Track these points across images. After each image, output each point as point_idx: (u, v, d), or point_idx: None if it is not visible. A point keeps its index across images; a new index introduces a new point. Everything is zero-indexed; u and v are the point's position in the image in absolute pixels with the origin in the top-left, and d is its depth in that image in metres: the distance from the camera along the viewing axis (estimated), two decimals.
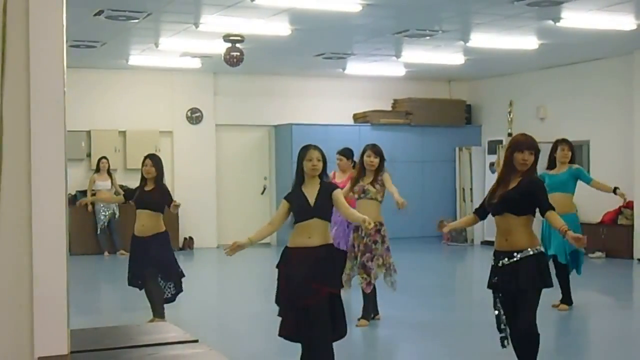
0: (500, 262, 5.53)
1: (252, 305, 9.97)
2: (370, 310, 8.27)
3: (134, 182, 15.06)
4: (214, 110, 16.09)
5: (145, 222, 8.13)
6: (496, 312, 5.61)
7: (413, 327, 8.35)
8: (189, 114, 15.90)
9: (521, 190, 5.51)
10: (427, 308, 9.38)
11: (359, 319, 8.15)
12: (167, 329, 4.08)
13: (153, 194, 8.14)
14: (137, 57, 13.82)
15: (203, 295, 10.84)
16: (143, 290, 8.31)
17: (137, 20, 10.53)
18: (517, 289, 5.48)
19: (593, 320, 9.00)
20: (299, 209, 5.71)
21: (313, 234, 5.67)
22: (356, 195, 8.01)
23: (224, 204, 16.26)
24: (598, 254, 13.67)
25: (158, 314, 8.13)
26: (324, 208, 5.72)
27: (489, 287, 5.68)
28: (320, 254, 5.66)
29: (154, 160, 8.22)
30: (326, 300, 5.64)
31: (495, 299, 5.62)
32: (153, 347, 3.53)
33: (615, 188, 8.99)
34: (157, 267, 8.13)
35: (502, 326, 5.60)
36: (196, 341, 3.65)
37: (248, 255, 15.10)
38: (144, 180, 8.23)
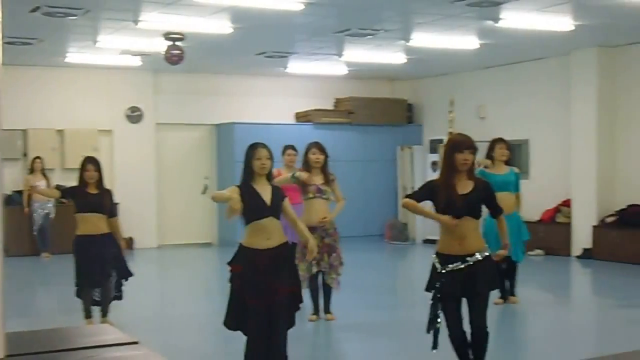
0: (449, 266, 5.55)
1: (194, 305, 9.90)
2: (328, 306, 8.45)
3: (72, 182, 14.83)
4: (155, 109, 15.93)
5: (96, 225, 7.97)
6: (433, 315, 5.63)
7: (358, 325, 8.37)
8: (128, 112, 15.71)
9: (479, 195, 5.64)
10: (371, 307, 9.40)
11: (327, 313, 8.38)
12: (107, 330, 4.01)
13: (102, 197, 8.00)
14: (75, 55, 13.60)
15: (143, 296, 10.71)
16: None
17: (75, 17, 10.35)
18: (473, 292, 5.56)
19: (532, 316, 9.13)
20: (255, 206, 5.65)
21: (271, 234, 5.66)
22: (311, 195, 8.08)
23: (164, 203, 16.11)
24: (537, 251, 13.88)
25: (106, 313, 8.09)
26: (278, 208, 5.74)
27: (430, 290, 5.68)
28: (280, 253, 5.68)
29: (96, 164, 8.07)
30: (287, 298, 5.69)
31: (437, 302, 5.63)
32: (92, 349, 3.47)
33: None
34: (114, 264, 8.04)
35: (437, 325, 5.64)
36: (136, 343, 3.60)
37: (189, 255, 15.08)
38: (83, 183, 8.06)
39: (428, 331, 5.67)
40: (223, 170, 16.14)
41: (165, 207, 16.11)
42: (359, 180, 16.34)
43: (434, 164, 16.20)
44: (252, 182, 5.72)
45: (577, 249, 13.62)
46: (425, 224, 16.22)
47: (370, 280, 11.58)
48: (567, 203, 13.96)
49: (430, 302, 5.65)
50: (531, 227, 13.88)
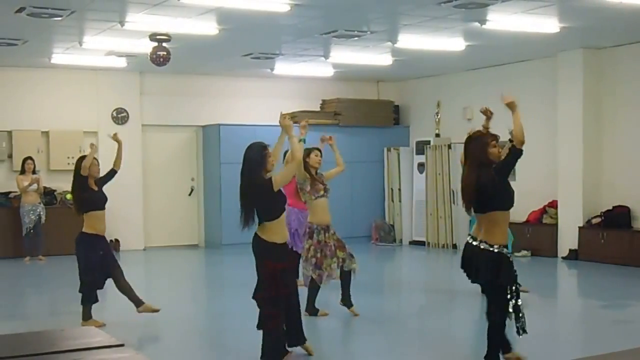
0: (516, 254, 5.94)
1: (180, 308, 9.84)
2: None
3: (57, 184, 14.83)
4: (140, 110, 15.87)
5: (104, 223, 8.23)
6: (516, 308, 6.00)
7: (354, 321, 8.46)
8: (114, 114, 15.64)
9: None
10: (368, 305, 9.41)
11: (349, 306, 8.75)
12: (92, 333, 3.98)
13: (103, 195, 8.24)
14: (61, 56, 13.52)
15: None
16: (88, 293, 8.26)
17: (60, 18, 10.29)
18: None
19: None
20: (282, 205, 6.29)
21: (284, 229, 6.31)
22: (321, 192, 8.43)
23: (150, 205, 16.04)
24: (524, 252, 13.91)
25: (140, 301, 8.40)
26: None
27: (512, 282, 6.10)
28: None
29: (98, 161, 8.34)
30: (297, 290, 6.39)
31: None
32: (77, 352, 3.44)
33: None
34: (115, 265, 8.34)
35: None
36: (122, 345, 3.57)
37: (175, 257, 15.02)
38: (84, 180, 8.12)
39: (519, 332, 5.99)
40: (209, 171, 16.08)
41: (152, 209, 16.04)
42: (345, 182, 16.29)
43: (420, 165, 16.22)
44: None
45: (563, 249, 13.65)
46: (412, 226, 16.24)
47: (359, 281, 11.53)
48: (553, 204, 14.00)
49: (510, 295, 5.96)
50: (518, 228, 13.99)
